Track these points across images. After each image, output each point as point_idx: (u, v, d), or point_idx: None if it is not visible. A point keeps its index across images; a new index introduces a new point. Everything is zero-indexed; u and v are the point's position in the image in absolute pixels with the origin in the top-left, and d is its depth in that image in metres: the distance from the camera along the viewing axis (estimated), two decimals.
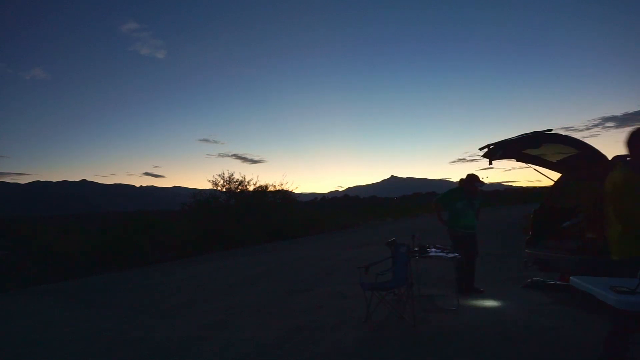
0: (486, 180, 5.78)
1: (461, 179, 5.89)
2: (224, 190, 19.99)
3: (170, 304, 6.24)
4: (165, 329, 4.89)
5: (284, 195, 21.32)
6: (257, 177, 34.87)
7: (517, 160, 5.78)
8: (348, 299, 5.66)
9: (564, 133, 4.87)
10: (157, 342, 4.40)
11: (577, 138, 4.96)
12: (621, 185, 2.72)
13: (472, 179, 5.78)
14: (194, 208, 19.11)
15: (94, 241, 14.08)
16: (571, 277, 2.67)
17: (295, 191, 23.01)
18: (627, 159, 2.88)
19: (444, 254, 5.00)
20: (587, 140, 4.92)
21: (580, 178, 5.93)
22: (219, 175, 20.07)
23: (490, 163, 5.34)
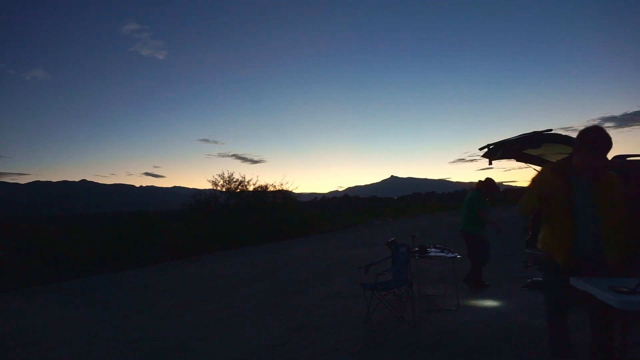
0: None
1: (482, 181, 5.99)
2: (224, 190, 20.00)
3: (170, 304, 6.24)
4: (165, 329, 4.88)
5: (284, 195, 21.33)
6: (257, 177, 34.91)
7: (517, 160, 5.78)
8: (348, 299, 5.66)
9: (563, 133, 4.87)
10: (157, 342, 4.40)
11: None
12: None
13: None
14: (194, 208, 19.12)
15: (94, 241, 14.08)
16: (571, 277, 2.67)
17: (295, 191, 23.05)
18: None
19: (444, 254, 5.00)
20: None
21: None
22: (219, 176, 20.09)
23: (490, 163, 5.35)
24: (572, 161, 2.69)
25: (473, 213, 5.76)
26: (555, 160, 5.68)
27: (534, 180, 2.78)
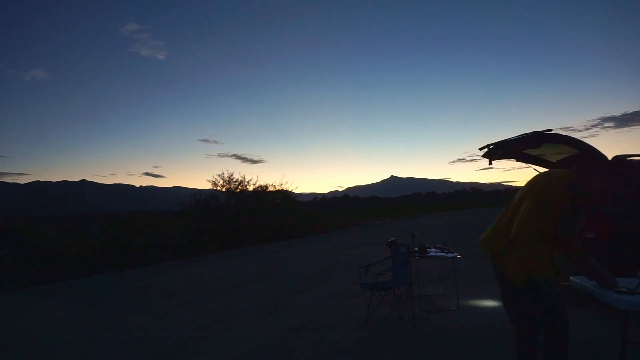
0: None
1: None
2: (224, 190, 20.00)
3: (170, 304, 6.24)
4: (165, 329, 4.89)
5: (284, 195, 21.32)
6: (257, 177, 34.95)
7: (517, 160, 5.78)
8: (348, 299, 5.66)
9: (563, 133, 4.87)
10: (157, 342, 4.40)
11: (577, 138, 4.96)
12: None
13: None
14: (194, 208, 19.11)
15: (94, 241, 14.07)
16: (571, 277, 2.67)
17: (295, 191, 23.02)
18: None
19: (443, 254, 5.00)
20: (586, 141, 4.92)
21: None
22: (219, 176, 20.09)
23: (490, 163, 5.35)
24: (583, 178, 2.35)
25: None
26: (555, 161, 5.67)
27: (555, 200, 2.30)
